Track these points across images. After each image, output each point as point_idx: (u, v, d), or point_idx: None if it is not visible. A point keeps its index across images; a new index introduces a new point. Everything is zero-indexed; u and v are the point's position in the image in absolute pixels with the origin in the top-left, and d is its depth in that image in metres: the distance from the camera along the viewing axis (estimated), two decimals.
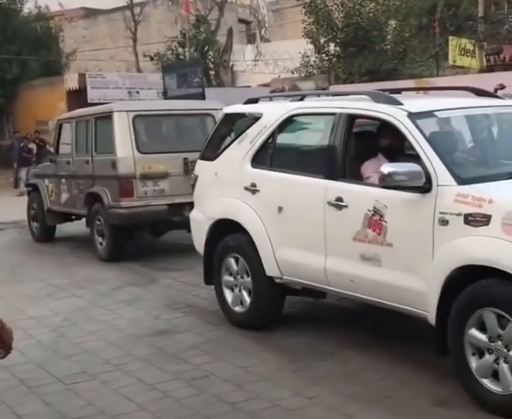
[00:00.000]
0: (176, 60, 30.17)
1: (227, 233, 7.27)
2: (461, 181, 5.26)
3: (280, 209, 6.67)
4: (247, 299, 7.11)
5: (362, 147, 6.53)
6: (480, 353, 5.07)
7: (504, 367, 4.90)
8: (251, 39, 43.56)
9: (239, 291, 7.21)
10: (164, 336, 7.16)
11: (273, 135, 7.00)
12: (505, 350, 4.89)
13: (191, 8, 31.75)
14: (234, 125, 7.97)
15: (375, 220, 5.72)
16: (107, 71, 33.60)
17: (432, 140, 5.60)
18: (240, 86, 30.56)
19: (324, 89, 20.36)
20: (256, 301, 7.01)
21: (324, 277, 6.33)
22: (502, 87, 14.88)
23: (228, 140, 7.82)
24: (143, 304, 8.45)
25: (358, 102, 6.46)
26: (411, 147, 5.73)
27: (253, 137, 7.13)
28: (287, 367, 6.09)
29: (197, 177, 7.94)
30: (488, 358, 5.00)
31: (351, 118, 6.33)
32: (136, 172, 10.75)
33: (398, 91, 7.15)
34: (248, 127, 7.29)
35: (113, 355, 6.60)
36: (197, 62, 26.87)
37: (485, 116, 6.45)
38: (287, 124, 6.98)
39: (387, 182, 5.45)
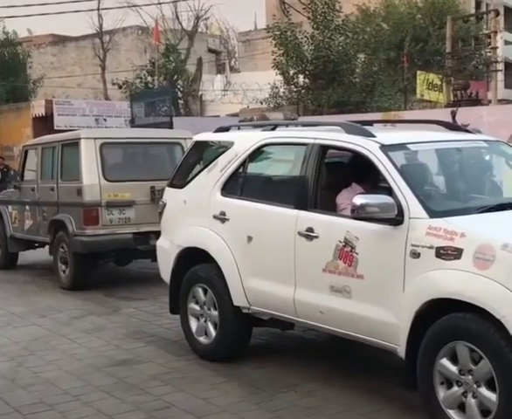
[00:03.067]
0: (145, 89, 30.04)
1: (195, 262, 7.14)
2: (433, 214, 5.25)
3: (250, 238, 6.58)
4: (213, 332, 6.99)
5: (333, 178, 6.51)
6: (448, 383, 5.02)
7: (472, 402, 4.87)
8: (220, 69, 43.68)
9: (205, 321, 7.09)
10: (125, 366, 7.03)
11: (243, 164, 6.93)
12: (475, 386, 4.86)
13: (161, 37, 31.73)
14: (204, 153, 7.89)
15: (346, 251, 5.66)
16: (74, 98, 33.41)
17: (404, 172, 5.58)
18: (209, 116, 30.51)
19: (293, 120, 20.30)
20: (222, 332, 6.87)
21: (293, 308, 6.23)
22: (455, 113, 15.10)
23: (198, 167, 7.70)
24: (104, 333, 8.30)
25: (331, 133, 6.40)
26: (384, 179, 5.68)
27: (224, 165, 7.06)
28: (249, 398, 6.00)
29: (165, 205, 7.80)
30: (457, 390, 4.97)
31: (323, 148, 6.29)
32: (102, 200, 10.62)
33: (370, 123, 7.11)
34: (219, 156, 7.21)
35: (72, 385, 6.47)
36: (166, 90, 26.77)
37: (456, 150, 6.45)
38: (259, 153, 6.95)
39: (359, 214, 5.40)
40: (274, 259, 6.40)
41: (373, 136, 5.92)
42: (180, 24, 37.35)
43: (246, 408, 5.77)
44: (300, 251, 6.10)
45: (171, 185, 7.83)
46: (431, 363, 5.06)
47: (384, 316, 5.41)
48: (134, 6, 39.28)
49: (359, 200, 5.40)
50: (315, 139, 6.33)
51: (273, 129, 7.04)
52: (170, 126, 20.66)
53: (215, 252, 6.90)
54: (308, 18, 26.77)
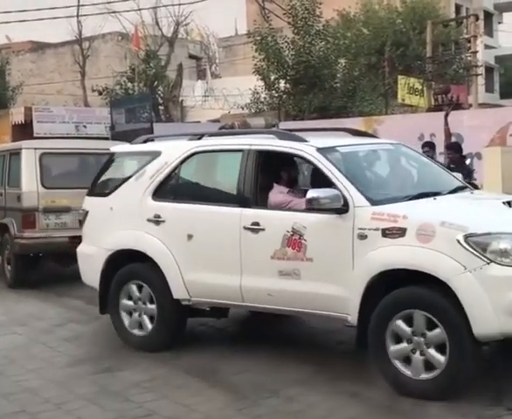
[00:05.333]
0: (125, 95, 29.83)
1: (125, 263, 7.71)
2: (374, 202, 6.26)
3: (190, 236, 7.23)
4: (148, 324, 7.51)
5: (269, 179, 7.18)
6: (397, 339, 5.93)
7: (419, 357, 5.84)
8: (201, 75, 43.57)
9: (139, 316, 7.59)
10: (107, 373, 6.97)
11: (175, 171, 7.59)
12: (425, 347, 5.81)
13: (141, 43, 31.55)
14: (127, 163, 8.48)
15: (294, 239, 6.51)
16: (54, 105, 33.09)
17: (342, 169, 6.55)
18: (190, 122, 30.37)
19: (274, 125, 20.22)
20: (160, 324, 7.45)
21: (239, 294, 6.95)
22: (447, 113, 15.27)
23: (121, 177, 8.22)
24: (85, 341, 8.26)
25: (266, 140, 7.23)
26: (324, 176, 6.53)
27: (153, 173, 7.65)
28: (232, 404, 5.99)
29: (86, 213, 8.27)
30: (406, 346, 5.90)
31: (261, 153, 7.06)
32: (39, 205, 11.67)
33: (290, 131, 7.80)
34: (146, 165, 7.78)
35: (53, 394, 6.42)
36: (146, 97, 26.64)
37: (373, 151, 7.63)
38: (190, 160, 7.58)
39: (313, 205, 6.33)
40: (218, 253, 7.09)
41: (306, 141, 6.85)
42: (160, 29, 37.19)
43: (229, 415, 5.78)
44: (246, 243, 6.84)
45: (92, 194, 8.38)
46: (385, 323, 5.94)
47: (334, 291, 6.30)
48: (113, 12, 38.89)
49: (313, 194, 6.32)
50: (251, 145, 7.11)
51: (200, 139, 7.68)
52: (151, 132, 20.49)
53: (152, 252, 7.49)
54: (289, 24, 26.71)
